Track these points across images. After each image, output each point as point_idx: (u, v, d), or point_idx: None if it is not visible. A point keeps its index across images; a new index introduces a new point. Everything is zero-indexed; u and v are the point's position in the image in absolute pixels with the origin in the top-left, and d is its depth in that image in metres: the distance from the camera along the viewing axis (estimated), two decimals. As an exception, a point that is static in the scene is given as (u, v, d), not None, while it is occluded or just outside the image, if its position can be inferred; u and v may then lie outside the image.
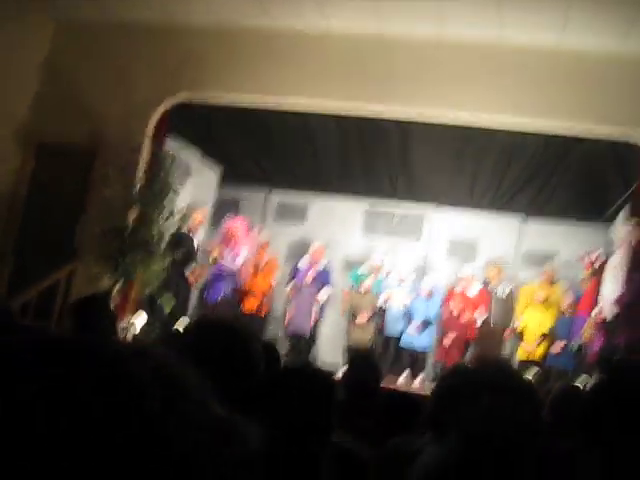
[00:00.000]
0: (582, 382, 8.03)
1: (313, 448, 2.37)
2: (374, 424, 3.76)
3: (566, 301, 10.31)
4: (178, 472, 0.70)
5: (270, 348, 4.54)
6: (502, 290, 10.89)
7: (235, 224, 11.05)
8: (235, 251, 10.89)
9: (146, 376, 0.73)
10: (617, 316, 8.65)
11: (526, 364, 10.27)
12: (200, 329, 2.22)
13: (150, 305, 9.68)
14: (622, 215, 10.23)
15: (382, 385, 5.79)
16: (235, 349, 2.04)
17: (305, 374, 2.57)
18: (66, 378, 0.69)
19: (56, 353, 0.72)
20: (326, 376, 2.66)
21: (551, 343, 10.28)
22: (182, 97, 10.11)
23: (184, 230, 10.22)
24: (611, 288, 8.76)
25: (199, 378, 0.79)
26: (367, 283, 11.00)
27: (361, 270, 11.34)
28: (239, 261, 10.93)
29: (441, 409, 1.95)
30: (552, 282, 10.75)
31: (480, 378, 1.94)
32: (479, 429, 0.94)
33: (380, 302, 10.88)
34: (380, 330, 10.96)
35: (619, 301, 8.65)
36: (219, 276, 10.80)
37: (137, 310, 9.59)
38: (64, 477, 0.64)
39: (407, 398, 4.03)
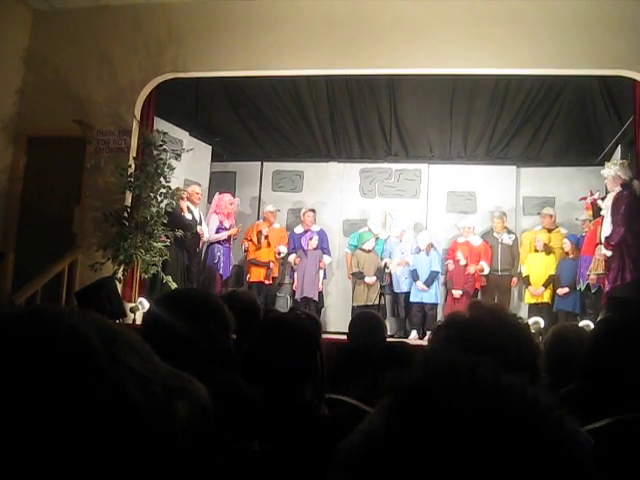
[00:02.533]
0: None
1: (301, 401, 2.39)
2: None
3: (566, 244, 10.34)
4: (131, 424, 0.75)
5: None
6: (507, 238, 10.91)
7: (223, 198, 11.02)
8: (227, 223, 10.88)
9: (91, 334, 0.78)
10: (612, 257, 8.74)
11: (535, 308, 10.37)
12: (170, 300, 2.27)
13: (155, 285, 9.73)
14: (616, 156, 10.21)
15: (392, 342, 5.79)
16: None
17: (286, 324, 2.52)
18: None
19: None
20: (307, 325, 2.60)
21: (557, 287, 10.32)
22: (167, 75, 10.06)
23: (182, 208, 10.20)
24: (606, 229, 8.81)
25: (139, 338, 0.84)
26: (370, 243, 11.03)
27: (362, 230, 11.36)
28: (231, 232, 10.95)
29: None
30: (552, 227, 10.76)
31: (472, 328, 1.94)
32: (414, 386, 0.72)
33: (384, 261, 10.91)
34: (389, 288, 11.01)
35: (607, 242, 8.71)
36: (227, 250, 10.84)
37: (143, 291, 9.65)
38: (23, 432, 0.69)
39: (401, 349, 4.00)
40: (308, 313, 2.64)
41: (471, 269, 10.63)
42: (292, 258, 11.35)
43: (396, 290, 10.99)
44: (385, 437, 0.69)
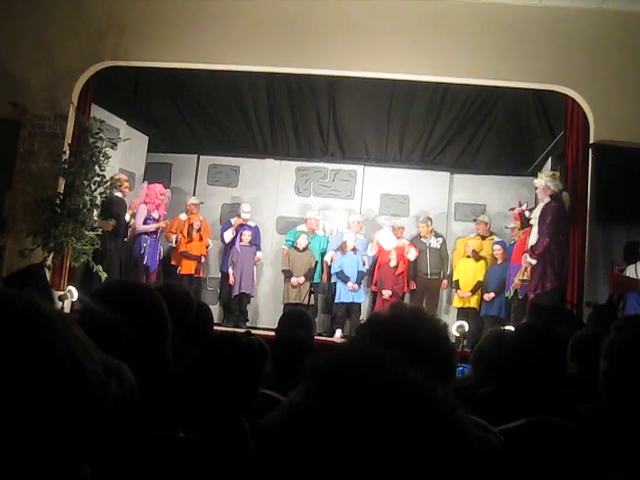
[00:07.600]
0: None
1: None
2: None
3: (498, 250, 10.55)
4: (78, 380, 0.90)
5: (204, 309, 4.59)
6: (434, 242, 11.09)
7: (153, 188, 10.93)
8: (156, 214, 10.81)
9: (48, 309, 0.95)
10: (536, 265, 8.98)
11: (463, 312, 10.58)
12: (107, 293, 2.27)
13: (85, 274, 9.64)
14: (546, 168, 10.48)
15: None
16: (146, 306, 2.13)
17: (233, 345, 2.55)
18: None
19: None
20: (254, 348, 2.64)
21: (484, 292, 10.54)
22: (107, 63, 9.94)
23: (115, 196, 10.10)
24: (533, 238, 9.06)
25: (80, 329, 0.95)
26: (304, 241, 11.10)
27: (298, 228, 11.42)
28: (160, 225, 10.89)
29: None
30: (486, 234, 10.98)
31: (393, 325, 2.00)
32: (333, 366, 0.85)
33: (316, 259, 10.99)
34: (321, 286, 11.11)
35: (533, 252, 8.96)
36: (154, 242, 10.75)
37: (72, 280, 9.55)
38: None
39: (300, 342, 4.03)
40: (260, 340, 2.67)
41: (400, 270, 10.70)
42: (228, 234, 11.35)
43: (333, 280, 11.05)
44: (301, 408, 0.82)
